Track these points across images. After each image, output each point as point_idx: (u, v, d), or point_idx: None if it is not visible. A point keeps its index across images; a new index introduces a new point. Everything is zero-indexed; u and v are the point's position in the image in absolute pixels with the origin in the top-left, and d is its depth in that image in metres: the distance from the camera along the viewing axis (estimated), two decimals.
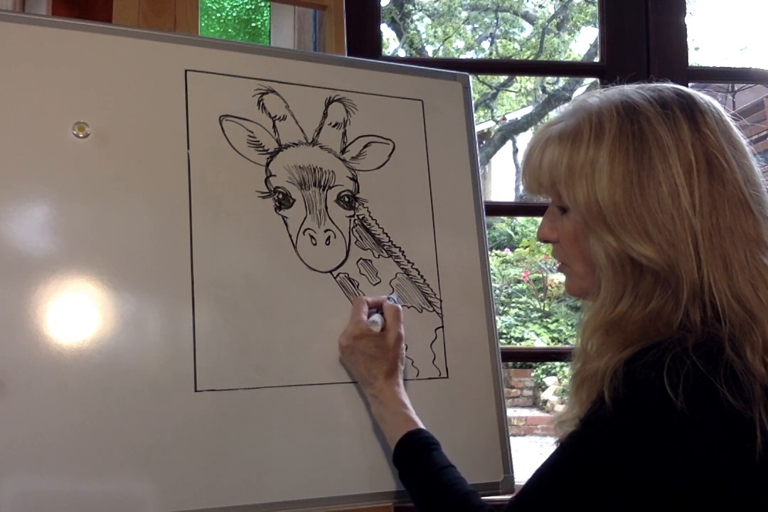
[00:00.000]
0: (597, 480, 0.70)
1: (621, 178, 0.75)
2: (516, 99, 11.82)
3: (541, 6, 10.86)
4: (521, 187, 10.85)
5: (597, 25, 3.22)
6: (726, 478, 0.68)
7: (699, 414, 0.66)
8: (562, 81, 10.06)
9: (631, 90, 0.81)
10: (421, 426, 0.97)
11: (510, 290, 8.02)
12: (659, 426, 0.67)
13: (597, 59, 1.82)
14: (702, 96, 0.80)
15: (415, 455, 0.93)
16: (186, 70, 1.07)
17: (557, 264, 0.91)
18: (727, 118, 0.80)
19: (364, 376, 1.01)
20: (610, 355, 0.73)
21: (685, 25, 1.66)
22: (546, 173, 0.82)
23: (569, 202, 0.80)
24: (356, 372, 1.03)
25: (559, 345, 7.16)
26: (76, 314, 0.94)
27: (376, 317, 1.02)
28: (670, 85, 0.82)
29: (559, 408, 6.76)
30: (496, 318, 1.25)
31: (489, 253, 1.27)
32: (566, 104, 0.88)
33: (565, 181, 0.79)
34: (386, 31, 10.32)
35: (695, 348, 0.69)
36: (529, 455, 5.87)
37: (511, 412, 6.44)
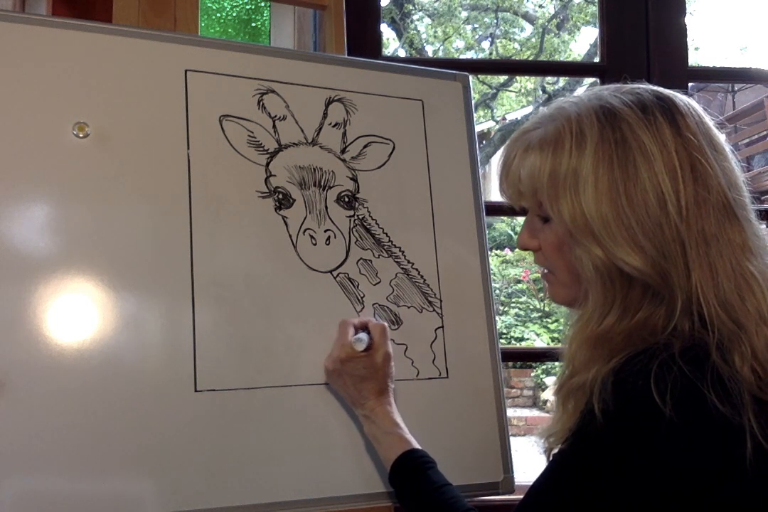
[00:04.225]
0: (592, 493, 0.69)
1: (606, 187, 0.73)
2: (516, 99, 11.82)
3: (541, 6, 10.86)
4: None
5: (597, 25, 3.22)
6: (718, 484, 0.67)
7: (688, 421, 0.66)
8: (562, 81, 10.05)
9: (608, 94, 0.78)
10: (416, 445, 0.95)
11: (510, 290, 8.01)
12: (649, 435, 0.67)
13: (597, 59, 1.82)
14: (681, 97, 0.78)
15: (411, 475, 0.92)
16: (186, 70, 1.07)
17: (541, 272, 0.89)
18: (707, 119, 0.78)
19: (354, 397, 1.00)
20: (597, 367, 0.72)
21: (685, 25, 1.66)
22: (527, 182, 0.79)
23: (553, 214, 0.77)
24: (345, 394, 1.01)
25: (559, 345, 7.15)
26: (76, 314, 0.94)
27: (362, 335, 0.99)
28: (648, 86, 0.80)
29: None
30: (496, 318, 1.25)
31: (489, 252, 1.27)
32: (542, 108, 0.85)
33: (548, 192, 0.77)
34: (386, 31, 10.32)
35: (682, 354, 0.68)
36: (529, 455, 5.88)
37: (511, 412, 6.43)
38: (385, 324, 1.03)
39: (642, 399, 0.66)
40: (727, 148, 0.78)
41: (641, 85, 0.80)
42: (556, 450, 0.76)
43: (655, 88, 0.79)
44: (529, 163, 0.78)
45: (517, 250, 8.52)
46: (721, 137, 0.78)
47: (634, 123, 0.74)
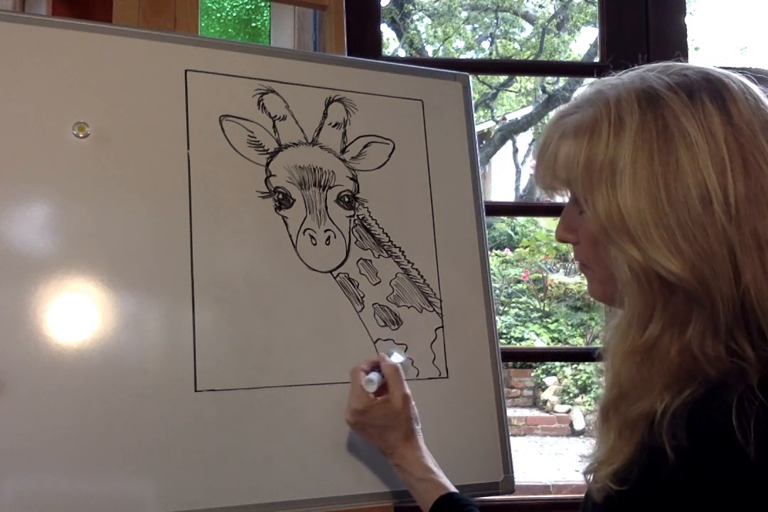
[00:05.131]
0: None
1: (645, 181, 0.66)
2: (516, 99, 11.82)
3: (541, 6, 10.85)
4: (521, 187, 10.86)
5: (597, 25, 3.21)
6: None
7: None
8: (562, 81, 10.05)
9: (653, 75, 0.71)
10: (451, 488, 0.92)
11: (510, 290, 8.01)
12: (730, 477, 0.60)
13: (597, 59, 1.82)
14: (735, 79, 0.70)
15: None
16: (186, 70, 1.07)
17: (578, 265, 0.81)
18: (766, 103, 0.69)
19: (382, 447, 0.97)
20: (664, 397, 0.65)
21: (685, 25, 1.66)
22: (562, 170, 0.73)
23: (587, 208, 0.71)
24: (373, 444, 0.99)
25: (559, 345, 7.16)
26: (76, 314, 0.94)
27: (373, 375, 0.95)
28: (699, 66, 0.72)
29: (559, 408, 6.77)
30: (496, 318, 1.25)
31: (489, 252, 1.27)
32: (582, 88, 0.79)
33: (582, 183, 0.70)
34: (386, 31, 10.32)
35: (760, 384, 0.61)
36: (529, 455, 5.88)
37: (511, 412, 6.44)
38: (398, 364, 0.99)
39: (722, 436, 0.59)
40: None
41: (692, 65, 0.72)
42: (603, 482, 0.68)
43: (707, 68, 0.71)
44: (564, 151, 0.72)
45: (517, 250, 8.53)
46: None
47: (679, 110, 0.66)
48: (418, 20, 10.91)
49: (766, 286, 0.64)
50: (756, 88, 0.70)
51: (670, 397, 0.64)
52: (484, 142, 10.28)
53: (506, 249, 8.85)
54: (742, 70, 0.74)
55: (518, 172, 11.03)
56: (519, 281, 8.11)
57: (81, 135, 0.99)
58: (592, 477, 0.71)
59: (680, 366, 0.65)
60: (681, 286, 0.65)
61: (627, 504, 0.66)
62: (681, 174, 0.65)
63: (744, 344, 0.64)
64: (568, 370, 6.94)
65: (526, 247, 8.48)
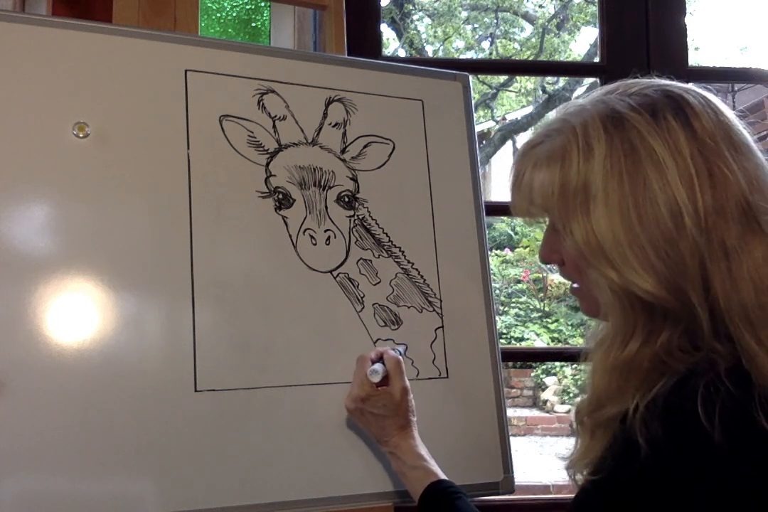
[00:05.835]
0: None
1: (617, 205, 0.68)
2: (516, 99, 11.81)
3: (541, 6, 10.85)
4: None
5: (597, 25, 3.22)
6: None
7: (739, 447, 0.61)
8: (562, 81, 10.05)
9: (615, 98, 0.73)
10: (442, 476, 0.94)
11: (510, 290, 8.01)
12: (699, 463, 0.62)
13: (597, 59, 1.82)
14: (695, 93, 0.73)
15: (440, 506, 0.92)
16: (186, 70, 1.07)
17: (570, 287, 0.84)
18: (727, 114, 0.72)
19: (377, 435, 1.00)
20: (635, 398, 0.67)
21: (685, 25, 1.67)
22: (539, 198, 0.75)
23: (566, 235, 0.73)
24: (369, 432, 1.01)
25: (559, 345, 7.16)
26: (76, 314, 0.94)
27: (377, 366, 0.98)
28: (658, 83, 0.75)
29: (560, 408, 6.77)
30: (496, 318, 1.25)
31: (489, 252, 1.27)
32: (549, 115, 0.81)
33: (558, 212, 0.73)
34: (386, 31, 10.31)
35: (727, 373, 0.63)
36: (529, 455, 5.88)
37: (511, 412, 6.44)
38: (400, 357, 1.02)
39: (689, 424, 0.62)
40: (751, 143, 0.72)
41: (650, 83, 0.75)
42: (581, 476, 0.72)
43: (666, 84, 0.74)
44: (539, 180, 0.74)
45: (517, 250, 8.54)
46: (743, 132, 0.72)
47: (644, 130, 0.69)
48: (418, 20, 10.90)
49: (733, 295, 0.66)
50: (715, 100, 0.73)
51: (641, 396, 0.67)
52: (484, 142, 10.28)
53: (506, 249, 8.85)
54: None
55: None
56: (519, 281, 8.11)
57: (81, 135, 0.99)
58: (572, 474, 0.74)
59: (650, 370, 0.68)
60: (659, 304, 0.68)
61: (601, 492, 0.68)
62: (650, 192, 0.68)
63: (716, 346, 0.66)
64: (568, 370, 6.94)
65: (526, 247, 8.48)
